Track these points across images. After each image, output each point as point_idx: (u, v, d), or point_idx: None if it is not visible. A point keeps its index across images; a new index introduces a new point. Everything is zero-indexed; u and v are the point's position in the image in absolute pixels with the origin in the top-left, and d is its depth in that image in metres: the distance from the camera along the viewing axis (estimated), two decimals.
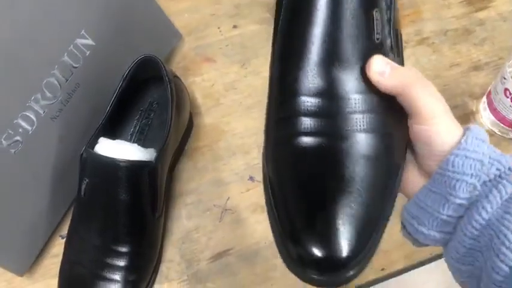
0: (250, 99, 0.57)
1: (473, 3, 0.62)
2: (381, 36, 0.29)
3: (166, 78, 0.47)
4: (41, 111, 0.45)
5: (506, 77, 0.49)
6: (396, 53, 0.31)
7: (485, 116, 0.54)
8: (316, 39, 0.29)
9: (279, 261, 0.34)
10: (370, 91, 0.29)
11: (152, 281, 0.48)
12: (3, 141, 0.42)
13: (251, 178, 0.52)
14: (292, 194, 0.29)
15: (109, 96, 0.47)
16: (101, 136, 0.45)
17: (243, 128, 0.55)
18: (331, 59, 0.29)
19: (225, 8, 0.62)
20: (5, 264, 0.46)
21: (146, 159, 0.44)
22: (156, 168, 0.44)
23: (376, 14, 0.29)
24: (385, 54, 0.30)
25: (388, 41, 0.30)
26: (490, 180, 0.28)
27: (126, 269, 0.44)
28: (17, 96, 0.43)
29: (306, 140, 0.29)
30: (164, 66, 0.47)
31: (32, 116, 0.44)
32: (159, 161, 0.45)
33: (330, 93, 0.29)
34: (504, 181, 0.28)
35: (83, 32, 0.47)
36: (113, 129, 0.49)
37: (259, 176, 0.52)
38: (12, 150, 0.43)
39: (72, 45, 0.46)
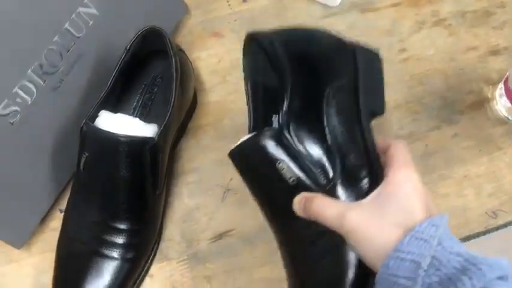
0: None
1: None
2: (297, 177, 0.35)
3: (171, 52, 0.45)
4: (41, 81, 0.43)
5: None
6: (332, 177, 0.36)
7: (501, 103, 0.52)
8: (260, 197, 0.39)
9: None
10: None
11: (151, 259, 0.47)
12: (1, 111, 0.41)
13: None
14: None
15: (112, 68, 0.46)
16: (102, 109, 0.44)
17: None
18: (272, 212, 0.38)
19: None
20: (2, 236, 0.45)
21: (148, 135, 0.43)
22: (158, 144, 0.43)
23: (280, 165, 0.35)
24: (308, 188, 0.35)
25: (312, 175, 0.36)
26: (438, 283, 0.27)
27: (125, 247, 0.44)
28: (15, 63, 0.41)
29: None
30: (169, 39, 0.45)
31: (32, 86, 0.43)
32: (161, 138, 0.43)
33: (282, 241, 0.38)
34: None
35: (86, 0, 0.45)
36: (115, 102, 0.47)
37: None
38: (11, 121, 0.42)
39: (74, 14, 0.45)
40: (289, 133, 0.36)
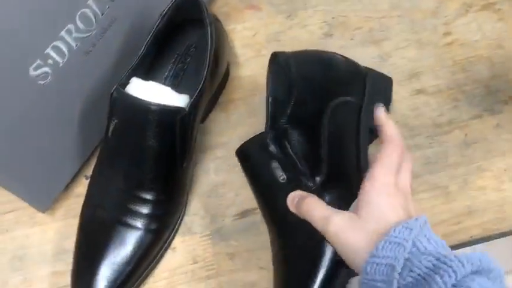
0: None
1: None
2: (288, 176, 0.40)
3: (207, 21, 0.43)
4: (73, 44, 0.42)
5: None
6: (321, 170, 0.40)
7: None
8: (259, 194, 0.43)
9: None
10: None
11: (174, 232, 0.46)
12: (32, 71, 0.40)
13: None
14: None
15: (145, 35, 0.44)
16: (133, 76, 0.43)
17: None
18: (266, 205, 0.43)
19: None
20: (28, 198, 0.45)
21: (179, 105, 0.41)
22: (188, 115, 0.42)
23: (274, 164, 0.40)
24: (295, 186, 0.39)
25: (300, 176, 0.40)
26: (414, 284, 0.28)
27: (149, 217, 0.43)
28: (48, 24, 0.40)
29: None
30: (206, 8, 0.44)
31: (64, 48, 0.42)
32: (192, 109, 0.42)
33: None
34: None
35: None
36: (146, 70, 0.46)
37: None
38: (41, 82, 0.41)
39: None
40: (287, 137, 0.40)
